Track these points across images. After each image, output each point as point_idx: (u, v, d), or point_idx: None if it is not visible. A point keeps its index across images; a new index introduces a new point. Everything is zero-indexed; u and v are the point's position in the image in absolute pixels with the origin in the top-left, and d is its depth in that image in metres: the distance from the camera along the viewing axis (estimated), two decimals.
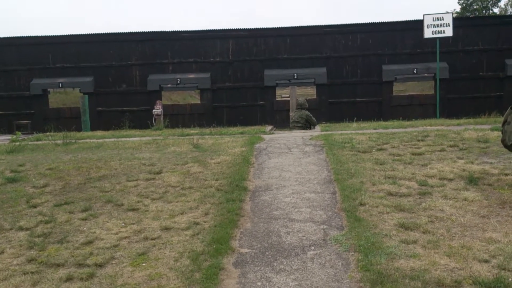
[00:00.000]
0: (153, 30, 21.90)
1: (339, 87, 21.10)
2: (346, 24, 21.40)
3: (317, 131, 12.49)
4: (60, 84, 21.50)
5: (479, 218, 5.25)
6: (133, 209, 6.07)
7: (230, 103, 21.47)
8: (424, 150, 8.46)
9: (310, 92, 26.13)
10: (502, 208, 5.53)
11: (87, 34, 21.86)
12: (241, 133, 12.21)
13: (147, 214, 5.87)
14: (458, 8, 48.88)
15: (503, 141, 6.42)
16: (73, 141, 11.07)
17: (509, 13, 47.40)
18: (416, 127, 11.71)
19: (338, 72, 21.14)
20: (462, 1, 48.24)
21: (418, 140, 9.30)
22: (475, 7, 47.48)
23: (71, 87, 22.86)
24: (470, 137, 9.37)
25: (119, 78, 21.64)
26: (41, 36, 21.98)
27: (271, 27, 21.76)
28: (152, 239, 5.08)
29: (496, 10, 48.07)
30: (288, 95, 20.85)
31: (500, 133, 9.52)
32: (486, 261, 4.19)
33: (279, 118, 20.59)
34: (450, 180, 6.63)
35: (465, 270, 4.04)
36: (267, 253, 4.68)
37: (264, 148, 9.51)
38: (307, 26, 21.60)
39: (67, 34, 22.01)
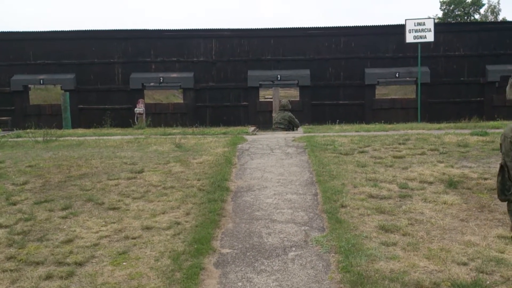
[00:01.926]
0: (136, 28, 21.79)
1: (322, 89, 21.19)
2: (330, 27, 21.52)
3: (299, 132, 12.53)
4: (41, 81, 21.25)
5: (458, 222, 5.32)
6: (114, 208, 6.03)
7: (213, 103, 21.43)
8: (405, 153, 8.54)
9: (294, 93, 26.18)
10: (480, 212, 5.61)
11: (69, 31, 21.65)
12: (224, 133, 12.19)
13: (128, 213, 5.84)
14: (440, 13, 49.47)
15: None
16: (54, 138, 10.96)
17: (489, 19, 48.12)
18: (398, 130, 11.82)
19: (321, 75, 21.24)
20: (444, 7, 48.87)
21: (399, 144, 9.38)
22: (457, 13, 48.11)
23: (52, 84, 22.58)
24: (450, 141, 9.49)
25: (101, 76, 21.47)
26: (23, 32, 21.70)
27: (255, 28, 21.80)
28: (132, 238, 5.05)
29: (477, 16, 48.78)
30: (271, 96, 20.87)
31: (479, 137, 9.67)
32: (465, 264, 4.25)
33: (262, 119, 20.61)
34: (430, 183, 6.71)
35: (443, 273, 4.09)
36: (248, 254, 4.68)
37: (246, 149, 9.52)
38: (291, 28, 21.68)
39: (49, 30, 21.77)
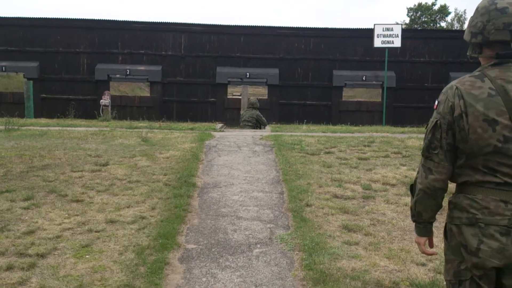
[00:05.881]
0: (104, 18, 21.43)
1: (291, 89, 21.32)
2: (300, 27, 21.66)
3: (267, 131, 12.60)
4: (3, 68, 20.68)
5: None
6: (77, 200, 5.95)
7: (181, 98, 21.29)
8: (370, 155, 8.70)
9: (262, 92, 26.25)
10: (439, 214, 5.75)
11: (34, 18, 21.13)
12: (191, 129, 12.16)
13: (92, 206, 5.77)
14: (407, 19, 50.41)
15: None
16: (16, 127, 10.73)
17: (455, 27, 49.29)
18: (363, 132, 12.01)
19: (290, 74, 21.36)
20: (411, 14, 49.80)
21: (364, 146, 9.55)
22: (423, 19, 49.10)
23: (15, 72, 22.00)
24: (413, 145, 9.70)
25: (66, 65, 21.05)
26: None
27: (225, 24, 21.74)
28: (96, 232, 5.00)
29: (443, 24, 49.90)
30: (239, 94, 20.89)
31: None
32: (423, 265, 4.37)
33: (230, 116, 20.60)
34: (393, 185, 6.86)
35: (403, 272, 4.20)
36: (213, 250, 4.70)
37: (214, 145, 9.52)
38: (261, 26, 21.72)
39: (12, 16, 21.21)
